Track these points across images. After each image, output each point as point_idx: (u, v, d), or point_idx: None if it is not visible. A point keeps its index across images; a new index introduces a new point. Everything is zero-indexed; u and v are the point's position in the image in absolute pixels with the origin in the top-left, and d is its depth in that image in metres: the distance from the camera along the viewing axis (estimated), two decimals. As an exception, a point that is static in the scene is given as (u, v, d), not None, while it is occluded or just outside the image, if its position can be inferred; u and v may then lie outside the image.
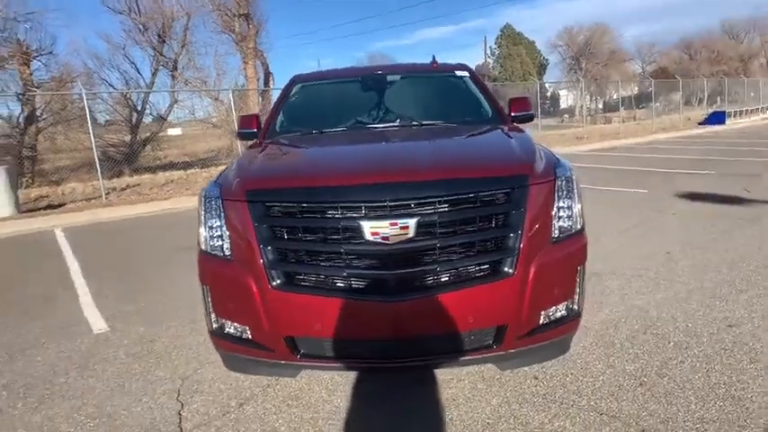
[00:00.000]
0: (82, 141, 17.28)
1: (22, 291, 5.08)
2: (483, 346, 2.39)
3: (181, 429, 2.60)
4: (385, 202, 2.23)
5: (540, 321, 2.46)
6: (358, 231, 2.23)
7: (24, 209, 9.76)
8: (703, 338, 3.22)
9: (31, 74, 17.23)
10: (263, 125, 3.84)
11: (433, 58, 4.37)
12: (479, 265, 2.31)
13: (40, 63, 18.13)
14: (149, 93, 22.40)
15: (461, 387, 2.81)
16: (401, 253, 2.24)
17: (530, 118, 3.96)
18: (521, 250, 2.32)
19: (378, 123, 3.60)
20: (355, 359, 2.37)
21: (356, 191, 2.26)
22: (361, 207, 2.25)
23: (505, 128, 3.37)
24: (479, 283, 2.29)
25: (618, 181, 9.73)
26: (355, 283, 2.28)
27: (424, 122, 3.54)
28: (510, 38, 47.16)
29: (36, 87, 17.15)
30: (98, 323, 4.10)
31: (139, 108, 22.18)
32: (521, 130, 3.29)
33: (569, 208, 2.52)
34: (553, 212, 2.44)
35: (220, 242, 2.46)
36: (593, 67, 44.26)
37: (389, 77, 4.09)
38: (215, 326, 2.54)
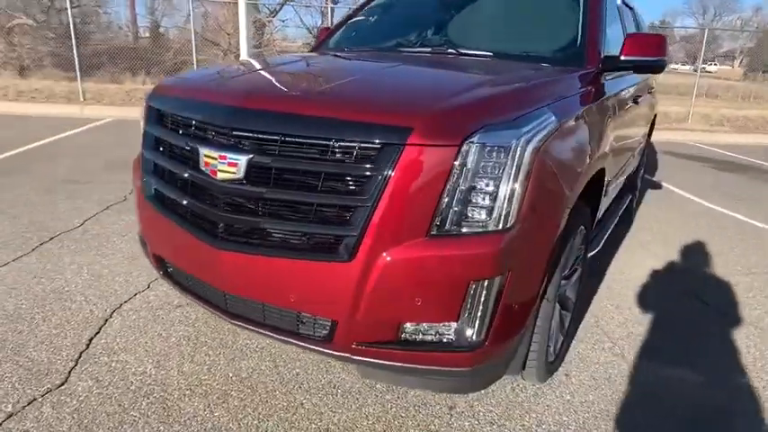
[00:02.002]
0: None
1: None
2: (315, 337, 1.87)
3: (119, 306, 2.85)
4: (222, 129, 1.84)
5: (401, 336, 1.77)
6: (197, 157, 1.92)
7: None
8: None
9: (331, -11, 19.59)
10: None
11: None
12: (311, 235, 1.75)
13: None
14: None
15: (352, 377, 2.31)
16: (227, 194, 1.85)
17: (652, 67, 2.68)
18: (367, 232, 1.66)
19: (416, 47, 2.97)
20: (200, 299, 2.14)
21: (207, 110, 1.90)
22: (205, 129, 1.91)
23: (555, 71, 2.37)
24: (307, 258, 1.74)
25: None
26: (192, 216, 2.00)
27: (466, 52, 2.75)
28: None
29: (335, 3, 19.50)
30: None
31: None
32: (573, 78, 2.25)
33: (490, 194, 1.66)
34: (450, 193, 1.64)
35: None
36: None
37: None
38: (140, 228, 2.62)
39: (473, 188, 1.66)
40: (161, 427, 2.00)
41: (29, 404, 2.08)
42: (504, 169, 1.67)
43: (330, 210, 1.71)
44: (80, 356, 2.40)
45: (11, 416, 2.02)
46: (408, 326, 1.76)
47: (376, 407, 2.17)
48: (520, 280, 1.79)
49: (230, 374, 2.33)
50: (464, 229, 1.67)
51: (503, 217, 1.67)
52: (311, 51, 3.44)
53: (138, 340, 2.55)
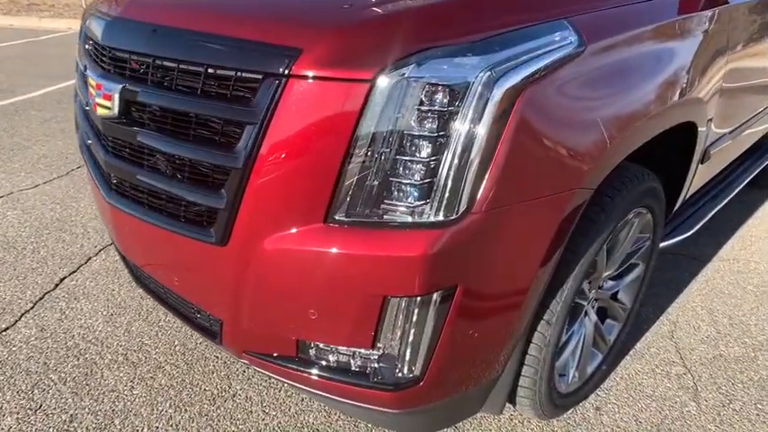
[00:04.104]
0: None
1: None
2: (209, 331, 1.43)
3: (111, 243, 2.66)
4: (101, 49, 1.37)
5: (302, 354, 1.25)
6: (87, 86, 1.48)
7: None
8: None
9: None
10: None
11: None
12: (184, 202, 1.25)
13: None
14: None
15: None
16: (108, 135, 1.40)
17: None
18: (241, 207, 1.12)
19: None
20: (119, 254, 1.79)
21: (100, 24, 1.43)
22: (95, 49, 1.46)
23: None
24: (183, 233, 1.26)
25: None
26: (94, 160, 1.60)
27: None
28: None
29: None
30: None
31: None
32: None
33: (426, 163, 1.02)
34: (361, 158, 1.03)
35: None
36: None
37: None
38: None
39: (399, 151, 1.03)
40: (70, 399, 1.75)
41: (-36, 347, 1.97)
42: (453, 122, 1.00)
43: (201, 170, 1.19)
44: (42, 298, 2.24)
45: (-58, 358, 1.91)
46: (305, 341, 1.24)
47: (318, 416, 1.72)
48: (480, 298, 1.15)
49: (176, 342, 2.01)
50: (383, 217, 1.07)
51: (446, 200, 1.03)
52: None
53: (106, 286, 2.33)
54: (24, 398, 1.75)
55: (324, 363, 1.25)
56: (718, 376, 1.96)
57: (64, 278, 2.38)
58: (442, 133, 1.01)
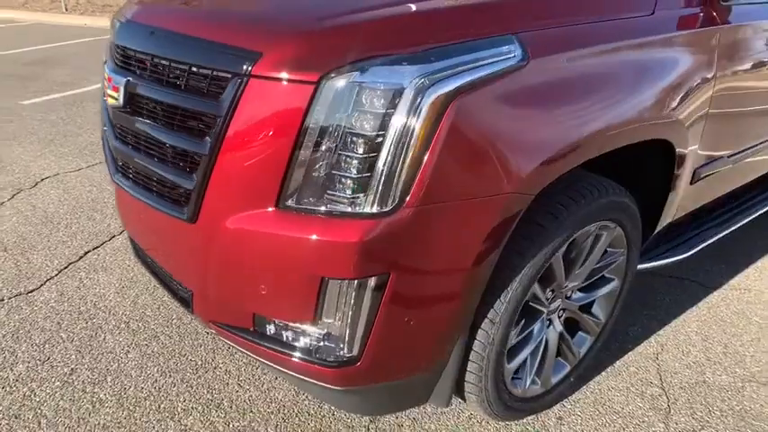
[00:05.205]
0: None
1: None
2: (185, 301, 1.57)
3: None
4: (115, 47, 1.57)
5: (257, 327, 1.38)
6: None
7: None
8: None
9: None
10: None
11: None
12: (167, 183, 1.40)
13: None
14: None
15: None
16: (116, 122, 1.59)
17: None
18: (208, 189, 1.26)
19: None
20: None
21: (116, 25, 1.64)
22: (112, 47, 1.65)
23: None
24: (165, 211, 1.41)
25: None
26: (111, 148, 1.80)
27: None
28: None
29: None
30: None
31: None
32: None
33: (362, 159, 1.12)
34: (308, 152, 1.14)
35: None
36: None
37: None
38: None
39: (341, 148, 1.14)
40: (74, 356, 1.95)
41: (-6, 304, 2.22)
42: (388, 123, 1.10)
43: (179, 156, 1.35)
44: (66, 267, 2.48)
45: (-26, 311, 2.17)
46: (261, 316, 1.36)
47: (288, 393, 1.83)
48: (413, 288, 1.24)
49: (174, 317, 2.19)
50: (326, 206, 1.18)
51: (379, 195, 1.13)
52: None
53: (123, 262, 2.55)
54: (36, 350, 1.97)
55: (275, 336, 1.36)
56: (696, 402, 1.94)
57: (88, 252, 2.62)
58: (380, 132, 1.11)
